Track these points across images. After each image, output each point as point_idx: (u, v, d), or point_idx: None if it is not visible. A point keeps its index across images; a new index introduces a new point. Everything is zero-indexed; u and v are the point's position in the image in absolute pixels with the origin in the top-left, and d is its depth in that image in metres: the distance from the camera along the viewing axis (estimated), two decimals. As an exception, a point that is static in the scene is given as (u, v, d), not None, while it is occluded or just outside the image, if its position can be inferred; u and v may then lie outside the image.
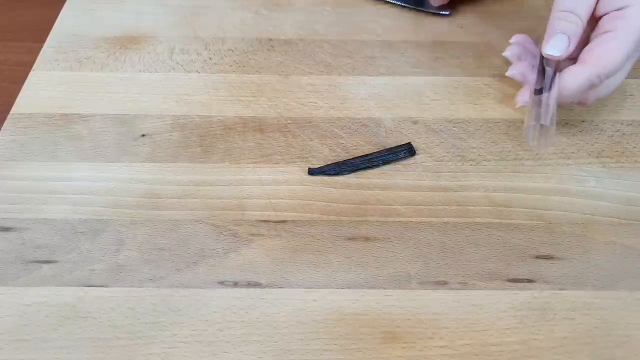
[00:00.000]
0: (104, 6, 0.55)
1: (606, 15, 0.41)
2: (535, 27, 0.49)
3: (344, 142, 0.44)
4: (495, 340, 0.34)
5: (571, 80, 0.40)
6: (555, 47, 0.41)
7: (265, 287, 0.36)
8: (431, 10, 0.54)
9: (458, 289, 0.36)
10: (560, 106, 0.44)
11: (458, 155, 0.43)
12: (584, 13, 0.41)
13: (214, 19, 0.54)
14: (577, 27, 0.41)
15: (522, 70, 0.44)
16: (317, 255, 0.37)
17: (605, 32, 0.41)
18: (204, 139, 0.44)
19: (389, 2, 0.55)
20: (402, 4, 0.55)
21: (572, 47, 0.41)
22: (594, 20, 0.42)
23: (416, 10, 0.54)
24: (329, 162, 0.42)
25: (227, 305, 0.35)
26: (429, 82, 0.48)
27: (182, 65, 0.49)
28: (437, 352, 0.33)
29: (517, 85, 0.47)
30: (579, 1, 0.41)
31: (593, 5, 0.42)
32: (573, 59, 0.42)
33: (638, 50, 0.42)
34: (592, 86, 0.41)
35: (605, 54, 0.40)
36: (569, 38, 0.41)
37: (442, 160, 0.43)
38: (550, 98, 0.40)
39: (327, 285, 0.36)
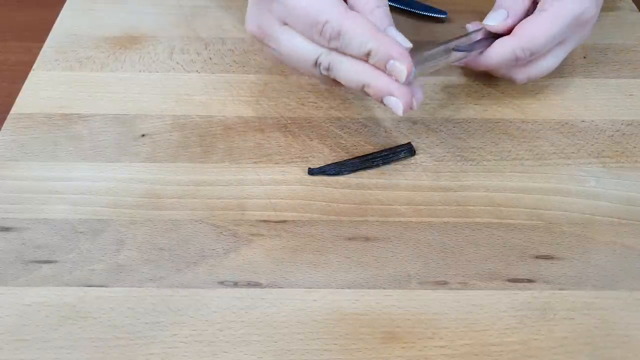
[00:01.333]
0: (104, 6, 0.55)
1: None
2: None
3: (344, 142, 0.44)
4: (495, 340, 0.34)
5: (496, 48, 0.42)
6: (493, 19, 0.43)
7: (265, 287, 0.36)
8: (427, 13, 0.54)
9: (458, 289, 0.36)
10: (492, 77, 0.46)
11: (458, 155, 0.43)
12: None
13: (214, 19, 0.54)
14: (520, 5, 0.43)
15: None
16: (317, 255, 0.37)
17: (541, 10, 0.42)
18: (204, 139, 0.44)
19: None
20: (398, 6, 0.55)
21: (510, 22, 0.43)
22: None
23: (410, 12, 0.54)
24: (329, 162, 0.42)
25: (227, 305, 0.35)
26: (429, 82, 0.48)
27: (182, 65, 0.49)
28: (437, 352, 0.33)
29: (518, 86, 0.47)
30: None
31: None
32: None
33: (573, 36, 0.44)
34: (517, 59, 0.42)
35: (532, 29, 0.42)
36: (508, 13, 0.43)
37: (442, 160, 0.43)
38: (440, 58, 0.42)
39: (327, 285, 0.36)
